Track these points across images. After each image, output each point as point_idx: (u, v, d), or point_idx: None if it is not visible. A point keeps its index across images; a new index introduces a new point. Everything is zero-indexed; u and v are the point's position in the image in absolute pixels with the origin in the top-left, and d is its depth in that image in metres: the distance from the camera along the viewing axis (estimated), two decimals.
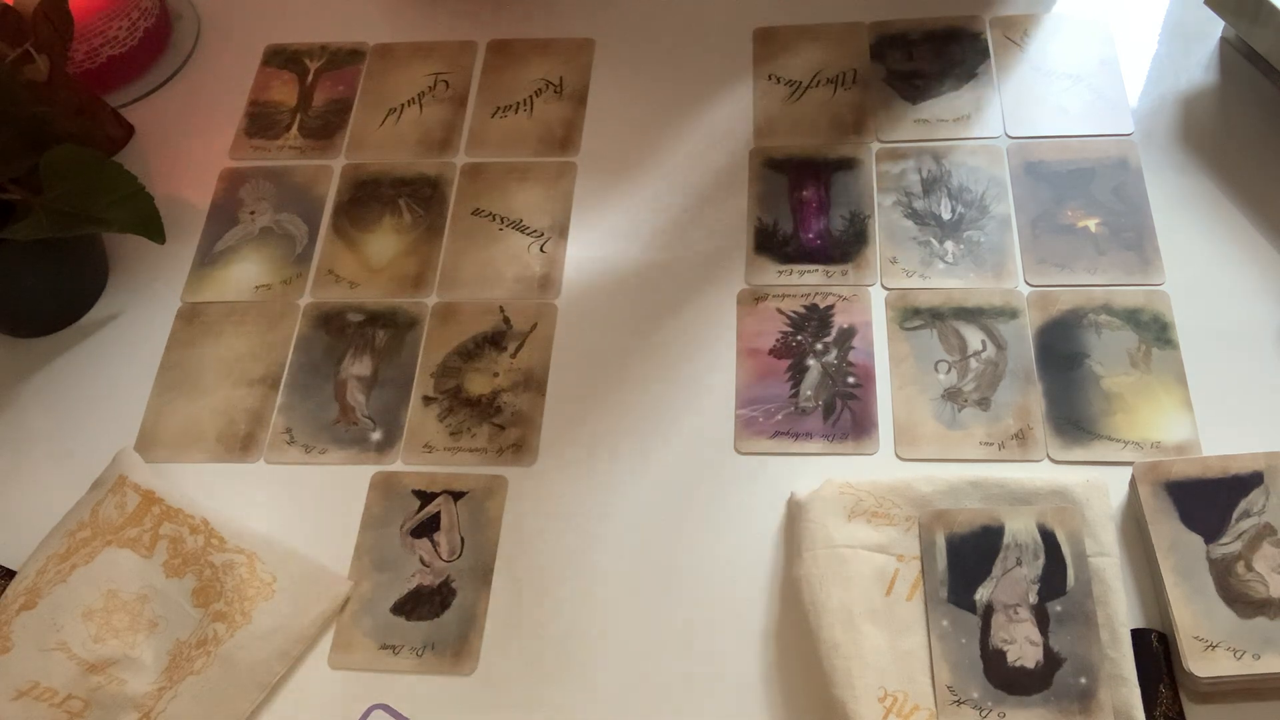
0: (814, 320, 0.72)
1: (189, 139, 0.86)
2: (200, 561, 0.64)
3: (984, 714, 0.56)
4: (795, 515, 0.63)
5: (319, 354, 0.74)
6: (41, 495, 0.69)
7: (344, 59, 0.89)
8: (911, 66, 0.82)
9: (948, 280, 0.72)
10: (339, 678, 0.62)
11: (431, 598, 0.64)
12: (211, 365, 0.74)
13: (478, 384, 0.72)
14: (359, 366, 0.73)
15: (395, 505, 0.68)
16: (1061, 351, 0.68)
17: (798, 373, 0.70)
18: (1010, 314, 0.70)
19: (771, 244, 0.75)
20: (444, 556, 0.66)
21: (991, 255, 0.73)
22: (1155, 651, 0.57)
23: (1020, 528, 0.60)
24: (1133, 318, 0.69)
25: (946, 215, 0.75)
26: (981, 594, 0.59)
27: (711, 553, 0.64)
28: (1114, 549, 0.59)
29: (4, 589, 0.64)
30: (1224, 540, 0.59)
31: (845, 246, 0.74)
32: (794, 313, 0.72)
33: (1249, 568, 0.58)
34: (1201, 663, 0.56)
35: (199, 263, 0.79)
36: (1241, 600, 0.57)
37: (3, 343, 0.77)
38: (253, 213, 0.81)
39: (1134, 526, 0.62)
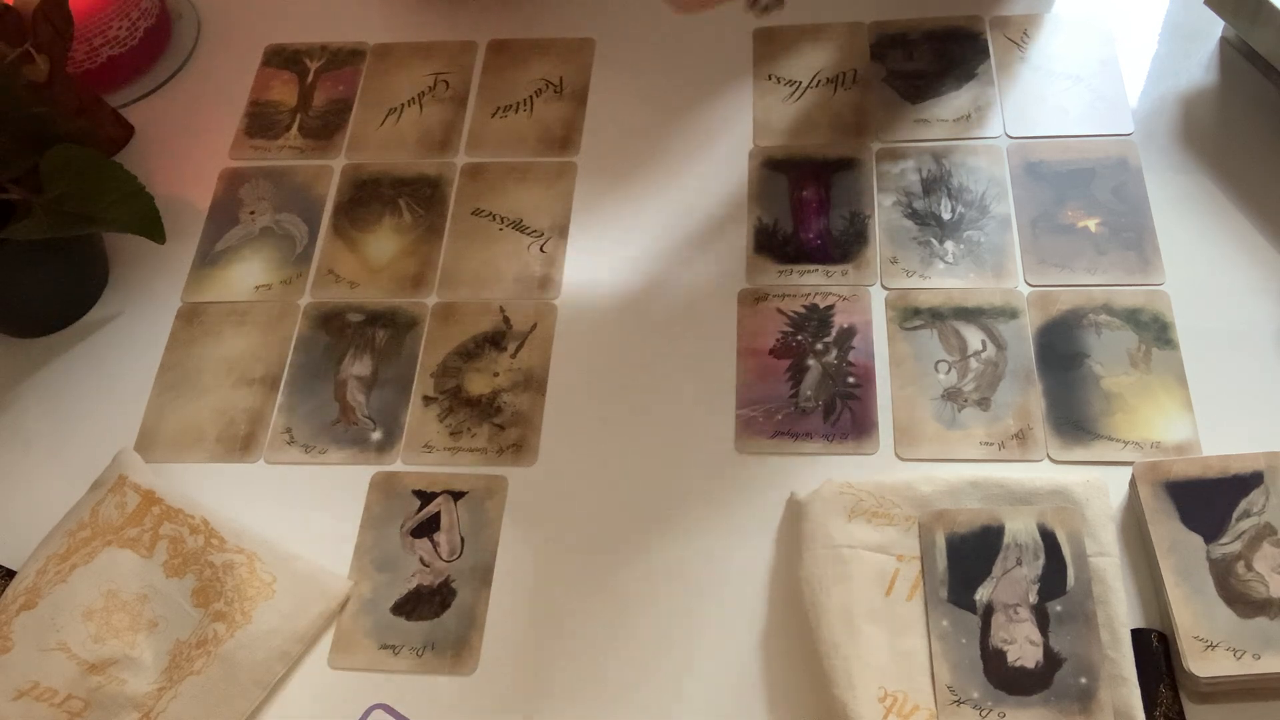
0: (814, 320, 0.72)
1: (189, 139, 0.86)
2: (200, 561, 0.64)
3: (984, 714, 0.56)
4: (795, 515, 0.63)
5: (319, 354, 0.74)
6: (41, 495, 0.69)
7: (344, 59, 0.89)
8: (911, 66, 0.82)
9: (948, 280, 0.72)
10: (339, 678, 0.62)
11: (431, 598, 0.64)
12: (211, 365, 0.74)
13: (478, 384, 0.72)
14: (359, 366, 0.73)
15: (395, 505, 0.68)
16: (1061, 351, 0.68)
17: (798, 373, 0.70)
18: (1010, 314, 0.70)
19: (771, 244, 0.75)
20: (444, 556, 0.66)
21: (991, 255, 0.73)
22: (1155, 651, 0.57)
23: (1020, 528, 0.60)
24: (1133, 318, 0.69)
25: (946, 215, 0.75)
26: (981, 594, 0.59)
27: (711, 553, 0.64)
28: (1114, 549, 0.59)
29: (4, 589, 0.64)
30: (1224, 540, 0.59)
31: (845, 246, 0.74)
32: (794, 313, 0.72)
33: (1249, 568, 0.58)
34: (1201, 663, 0.56)
35: (199, 263, 0.79)
36: (1241, 600, 0.57)
37: (3, 343, 0.77)
38: (253, 213, 0.81)
39: (1134, 526, 0.62)
